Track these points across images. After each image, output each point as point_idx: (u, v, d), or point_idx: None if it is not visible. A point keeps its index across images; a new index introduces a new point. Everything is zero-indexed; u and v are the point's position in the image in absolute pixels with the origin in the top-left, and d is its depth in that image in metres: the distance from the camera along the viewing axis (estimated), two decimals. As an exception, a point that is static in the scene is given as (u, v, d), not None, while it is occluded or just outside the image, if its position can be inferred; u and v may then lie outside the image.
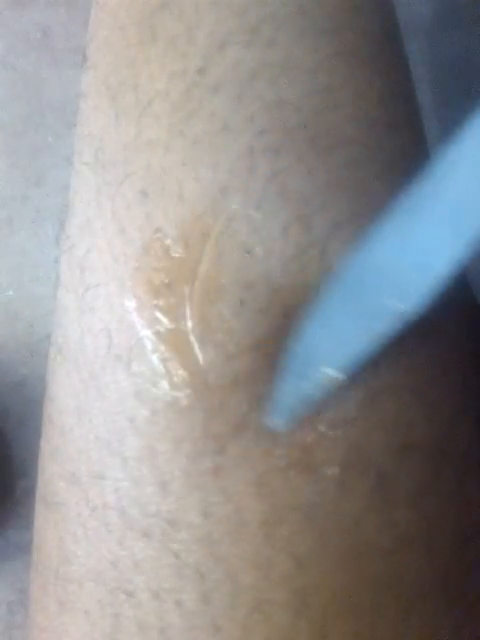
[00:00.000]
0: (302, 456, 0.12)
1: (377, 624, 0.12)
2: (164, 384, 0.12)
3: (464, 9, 0.28)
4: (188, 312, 0.13)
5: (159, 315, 0.13)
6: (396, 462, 0.12)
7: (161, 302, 0.13)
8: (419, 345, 0.13)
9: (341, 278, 0.12)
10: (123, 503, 0.13)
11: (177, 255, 0.13)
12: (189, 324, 0.12)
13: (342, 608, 0.11)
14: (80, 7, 0.30)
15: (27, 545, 0.16)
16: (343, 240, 0.13)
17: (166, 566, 0.12)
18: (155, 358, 0.13)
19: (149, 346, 0.13)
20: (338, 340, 0.12)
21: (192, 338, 0.12)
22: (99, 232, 0.15)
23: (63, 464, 0.14)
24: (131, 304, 0.13)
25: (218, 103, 0.14)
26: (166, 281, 0.13)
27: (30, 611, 0.16)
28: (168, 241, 0.13)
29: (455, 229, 0.11)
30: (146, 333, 0.13)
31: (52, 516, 0.15)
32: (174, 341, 0.13)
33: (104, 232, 0.14)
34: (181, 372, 0.12)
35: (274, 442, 0.12)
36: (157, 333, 0.13)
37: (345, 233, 0.13)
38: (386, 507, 0.12)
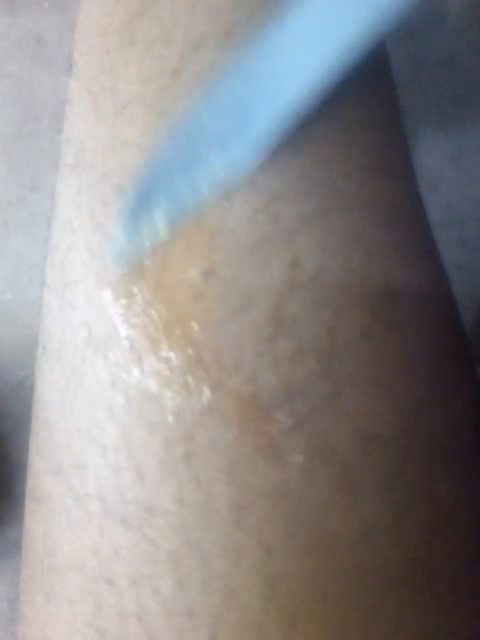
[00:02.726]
0: (269, 443, 0.12)
1: (345, 611, 0.12)
2: (136, 371, 0.13)
3: (451, 14, 0.28)
4: (158, 299, 0.13)
5: (132, 304, 0.13)
6: (361, 452, 0.12)
7: (134, 290, 0.13)
8: (385, 338, 0.13)
9: (183, 124, 0.13)
10: (103, 491, 0.13)
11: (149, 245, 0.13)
12: (157, 311, 0.13)
13: (310, 595, 0.12)
14: (73, 14, 0.30)
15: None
16: (310, 232, 0.13)
17: (143, 553, 0.12)
18: (128, 345, 0.13)
19: (123, 334, 0.13)
20: (169, 190, 0.13)
21: (160, 325, 0.13)
22: (78, 231, 0.15)
23: (48, 457, 0.15)
24: (108, 295, 0.14)
25: (191, 103, 0.14)
26: (137, 270, 0.13)
27: (19, 606, 0.16)
28: None
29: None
30: (120, 321, 0.13)
31: (39, 509, 0.15)
32: (145, 328, 0.13)
33: (82, 230, 0.15)
34: (151, 359, 0.13)
35: (242, 429, 0.12)
36: (129, 321, 0.13)
37: (312, 227, 0.13)
38: (351, 496, 0.12)
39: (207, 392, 0.12)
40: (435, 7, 0.29)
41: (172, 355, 0.13)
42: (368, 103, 0.15)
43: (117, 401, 0.13)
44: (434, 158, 0.28)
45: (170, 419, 0.12)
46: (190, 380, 0.12)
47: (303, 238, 0.13)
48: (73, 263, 0.15)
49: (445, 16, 0.29)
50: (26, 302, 0.31)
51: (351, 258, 0.13)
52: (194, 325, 0.13)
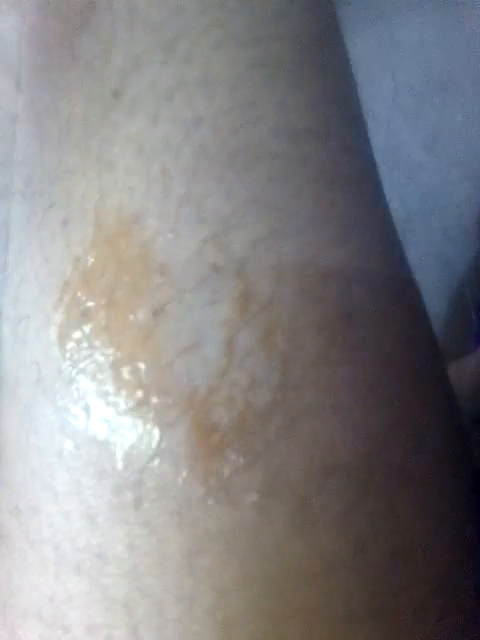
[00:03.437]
0: (219, 484, 0.12)
1: None
2: (83, 417, 0.12)
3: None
4: (105, 342, 0.13)
5: (79, 347, 0.13)
6: (318, 485, 0.12)
7: (77, 334, 0.13)
8: (343, 362, 0.13)
9: None
10: (57, 538, 0.13)
11: (94, 285, 0.13)
12: (103, 355, 0.12)
13: (268, 637, 0.11)
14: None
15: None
16: (261, 259, 0.13)
17: (96, 601, 0.12)
18: (75, 390, 0.13)
19: (69, 378, 0.13)
20: None
21: (107, 368, 0.12)
22: (28, 262, 0.15)
23: (8, 497, 0.14)
24: (54, 336, 0.13)
25: (133, 126, 0.13)
26: (83, 313, 0.13)
27: None
28: (85, 270, 0.13)
29: None
30: (66, 365, 0.13)
31: (2, 549, 0.15)
32: (92, 372, 0.13)
33: (32, 262, 0.14)
34: (98, 403, 0.12)
35: (192, 471, 0.12)
36: (76, 365, 0.13)
37: (264, 252, 0.13)
38: (309, 531, 0.12)
39: (156, 435, 0.12)
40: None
41: (120, 400, 0.12)
42: (321, 111, 0.15)
43: (66, 446, 0.13)
44: (410, 145, 0.27)
45: (119, 465, 0.12)
46: (138, 424, 0.12)
47: (254, 266, 0.13)
48: (25, 297, 0.14)
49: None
50: None
51: (305, 282, 0.13)
52: (142, 366, 0.12)
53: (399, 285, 0.15)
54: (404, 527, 0.13)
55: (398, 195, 0.29)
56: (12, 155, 0.31)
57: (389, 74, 0.27)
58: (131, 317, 0.12)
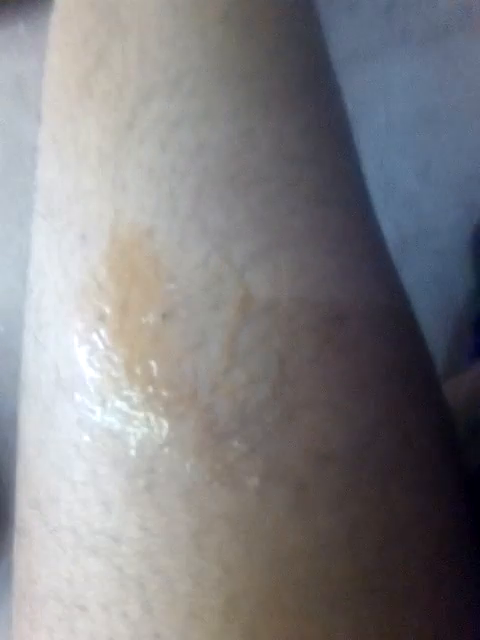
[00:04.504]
0: (224, 469, 0.13)
1: (304, 624, 0.12)
2: (100, 411, 0.14)
3: (412, 33, 0.29)
4: (119, 344, 0.14)
5: (95, 349, 0.14)
6: (315, 472, 0.13)
7: (94, 337, 0.14)
8: (335, 361, 0.14)
9: None
10: (74, 523, 0.14)
11: (109, 292, 0.14)
12: (118, 355, 0.14)
13: (270, 610, 0.12)
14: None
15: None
16: (259, 268, 0.14)
17: (112, 580, 0.13)
18: (91, 388, 0.14)
19: (87, 377, 0.14)
20: None
21: (121, 366, 0.14)
22: (49, 275, 0.16)
23: (28, 492, 0.16)
24: (74, 339, 0.15)
25: (143, 153, 0.15)
26: (99, 317, 0.14)
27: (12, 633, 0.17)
28: (102, 279, 0.14)
29: None
30: (84, 365, 0.14)
31: (21, 541, 0.16)
32: (107, 371, 0.14)
33: (52, 274, 0.16)
34: (113, 398, 0.14)
35: (199, 458, 0.13)
36: (92, 365, 0.14)
37: (262, 262, 0.14)
38: (306, 514, 0.13)
39: (166, 425, 0.13)
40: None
41: (133, 394, 0.13)
42: (313, 137, 0.16)
43: (83, 439, 0.14)
44: (404, 174, 0.29)
45: (132, 453, 0.13)
46: (150, 416, 0.13)
47: (253, 274, 0.14)
48: (46, 306, 0.16)
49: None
50: (19, 334, 0.32)
51: (300, 289, 0.14)
52: (153, 364, 0.14)
53: (389, 291, 0.16)
54: (396, 512, 0.14)
55: (394, 220, 0.31)
56: (30, 187, 0.32)
57: (382, 107, 0.29)
58: (143, 320, 0.14)
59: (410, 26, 0.29)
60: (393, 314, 0.16)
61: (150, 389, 0.13)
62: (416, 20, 0.28)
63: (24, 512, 0.16)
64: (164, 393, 0.13)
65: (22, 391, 0.17)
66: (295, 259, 0.15)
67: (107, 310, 0.14)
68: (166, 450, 0.13)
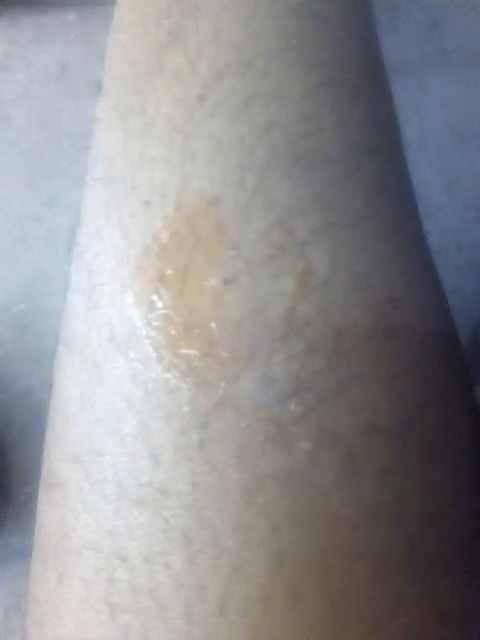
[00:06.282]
0: (278, 431, 0.13)
1: (347, 587, 0.13)
2: (156, 367, 0.14)
3: (451, 52, 0.30)
4: (180, 304, 0.14)
5: (154, 308, 0.14)
6: (363, 442, 0.13)
7: (154, 297, 0.14)
8: (387, 340, 0.14)
9: None
10: (120, 476, 0.14)
11: (171, 256, 0.15)
12: (178, 315, 0.14)
13: (314, 571, 0.13)
14: (95, 44, 0.32)
15: (27, 551, 0.18)
16: (320, 244, 0.14)
17: (157, 531, 0.13)
18: (148, 345, 0.14)
19: (144, 334, 0.14)
20: None
21: (180, 326, 0.14)
22: (106, 239, 0.16)
23: (66, 447, 0.16)
24: (130, 299, 0.15)
25: (214, 125, 0.16)
26: (160, 279, 0.14)
27: (29, 589, 0.17)
28: (164, 243, 0.15)
29: None
30: (142, 324, 0.14)
31: (54, 496, 0.16)
32: (165, 329, 0.14)
33: (110, 238, 0.16)
34: (169, 356, 0.14)
35: (254, 418, 0.13)
36: (150, 324, 0.14)
37: (323, 238, 0.15)
38: (354, 482, 0.13)
39: (222, 384, 0.13)
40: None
41: (191, 352, 0.14)
42: (372, 130, 0.17)
43: (136, 394, 0.14)
44: (432, 187, 0.30)
45: (186, 409, 0.13)
46: (208, 374, 0.14)
47: (314, 249, 0.14)
48: (100, 268, 0.16)
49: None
50: (39, 312, 0.32)
51: (357, 268, 0.15)
52: (213, 325, 0.14)
53: (433, 282, 0.17)
54: (438, 489, 0.14)
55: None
56: (65, 169, 0.33)
57: (417, 121, 0.30)
58: (205, 283, 0.14)
59: (450, 46, 0.30)
60: (436, 304, 0.17)
61: (208, 349, 0.14)
62: (456, 41, 0.29)
63: (59, 467, 0.16)
64: (223, 353, 0.14)
65: (64, 352, 0.17)
66: (354, 239, 0.15)
67: (169, 271, 0.15)
68: (221, 408, 0.13)
